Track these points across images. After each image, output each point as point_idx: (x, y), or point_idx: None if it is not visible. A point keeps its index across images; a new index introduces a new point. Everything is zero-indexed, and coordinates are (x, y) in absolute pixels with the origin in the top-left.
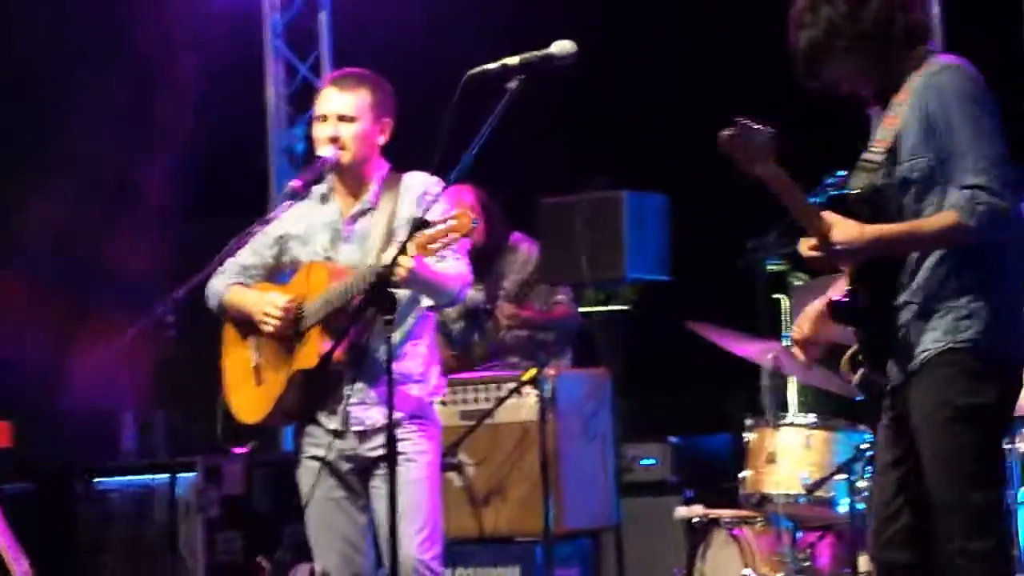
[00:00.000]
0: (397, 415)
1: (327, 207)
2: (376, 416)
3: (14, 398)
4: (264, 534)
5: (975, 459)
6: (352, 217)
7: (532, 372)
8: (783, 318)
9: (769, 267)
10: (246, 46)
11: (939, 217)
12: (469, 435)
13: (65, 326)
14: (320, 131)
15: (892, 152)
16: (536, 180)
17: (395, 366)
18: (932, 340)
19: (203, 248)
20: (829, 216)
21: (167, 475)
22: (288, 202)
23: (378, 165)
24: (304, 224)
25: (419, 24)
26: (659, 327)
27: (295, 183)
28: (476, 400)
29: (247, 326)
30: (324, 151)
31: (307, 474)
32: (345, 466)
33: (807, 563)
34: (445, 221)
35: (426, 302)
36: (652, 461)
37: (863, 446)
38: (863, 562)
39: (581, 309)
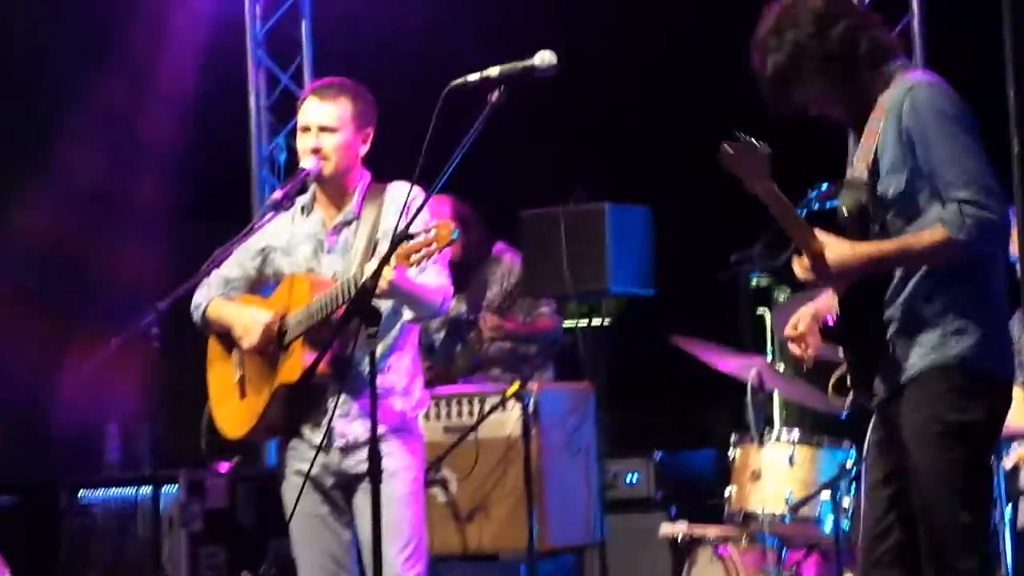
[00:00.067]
0: (380, 429)
1: (310, 218)
2: (359, 430)
3: None
4: (248, 549)
5: (963, 476)
6: (335, 228)
7: (515, 386)
8: (767, 332)
9: (753, 281)
10: (228, 55)
11: (928, 232)
12: (452, 450)
13: (50, 337)
14: (303, 143)
15: (874, 170)
16: (518, 191)
17: (378, 379)
18: (919, 356)
19: (188, 259)
20: (822, 236)
21: (150, 488)
22: (270, 213)
23: (360, 175)
24: (287, 235)
25: (401, 33)
26: (642, 341)
27: (277, 194)
28: (460, 414)
29: (230, 340)
30: (306, 162)
31: (291, 489)
32: (329, 481)
33: None
34: (426, 232)
35: (408, 314)
36: (636, 476)
37: (848, 464)
38: None
39: (564, 323)
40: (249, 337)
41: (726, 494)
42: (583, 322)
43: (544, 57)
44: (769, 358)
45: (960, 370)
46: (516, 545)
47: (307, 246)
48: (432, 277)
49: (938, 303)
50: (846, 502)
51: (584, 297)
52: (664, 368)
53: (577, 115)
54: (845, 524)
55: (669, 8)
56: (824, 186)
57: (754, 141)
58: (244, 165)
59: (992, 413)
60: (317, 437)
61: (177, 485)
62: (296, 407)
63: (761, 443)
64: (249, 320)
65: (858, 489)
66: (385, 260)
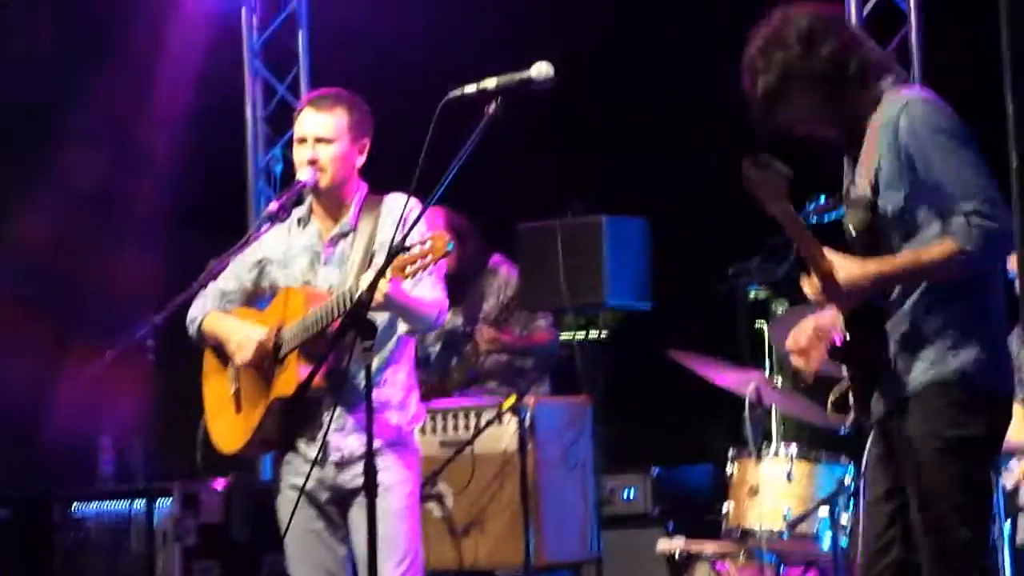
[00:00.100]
0: (376, 443)
1: (306, 230)
2: (355, 444)
3: None
4: (243, 563)
5: (963, 491)
6: (331, 240)
7: (512, 400)
8: (765, 346)
9: (751, 294)
10: (225, 66)
11: (937, 246)
12: (448, 464)
13: (46, 349)
14: (299, 154)
15: (876, 187)
16: (515, 204)
17: (374, 393)
18: (919, 372)
19: (184, 270)
20: (832, 256)
21: (144, 502)
22: (266, 225)
23: (357, 186)
24: (283, 247)
25: (398, 44)
26: (640, 354)
27: (273, 206)
28: (456, 428)
29: (226, 353)
30: (303, 174)
31: (286, 503)
32: (324, 496)
33: None
34: (422, 244)
35: (402, 327)
36: (633, 491)
37: (846, 480)
38: None
39: (561, 335)
40: (242, 353)
41: (723, 510)
42: (580, 335)
43: (541, 69)
44: (767, 372)
45: (960, 385)
46: (512, 560)
47: (303, 258)
48: (427, 290)
49: (937, 319)
50: (844, 518)
51: (581, 310)
52: (661, 382)
53: (575, 127)
54: (843, 541)
55: (667, 21)
56: (822, 199)
57: (775, 163)
58: (240, 176)
59: (992, 428)
60: (312, 451)
61: (171, 499)
62: (291, 421)
63: (759, 458)
64: (243, 336)
65: (856, 505)
66: (381, 272)
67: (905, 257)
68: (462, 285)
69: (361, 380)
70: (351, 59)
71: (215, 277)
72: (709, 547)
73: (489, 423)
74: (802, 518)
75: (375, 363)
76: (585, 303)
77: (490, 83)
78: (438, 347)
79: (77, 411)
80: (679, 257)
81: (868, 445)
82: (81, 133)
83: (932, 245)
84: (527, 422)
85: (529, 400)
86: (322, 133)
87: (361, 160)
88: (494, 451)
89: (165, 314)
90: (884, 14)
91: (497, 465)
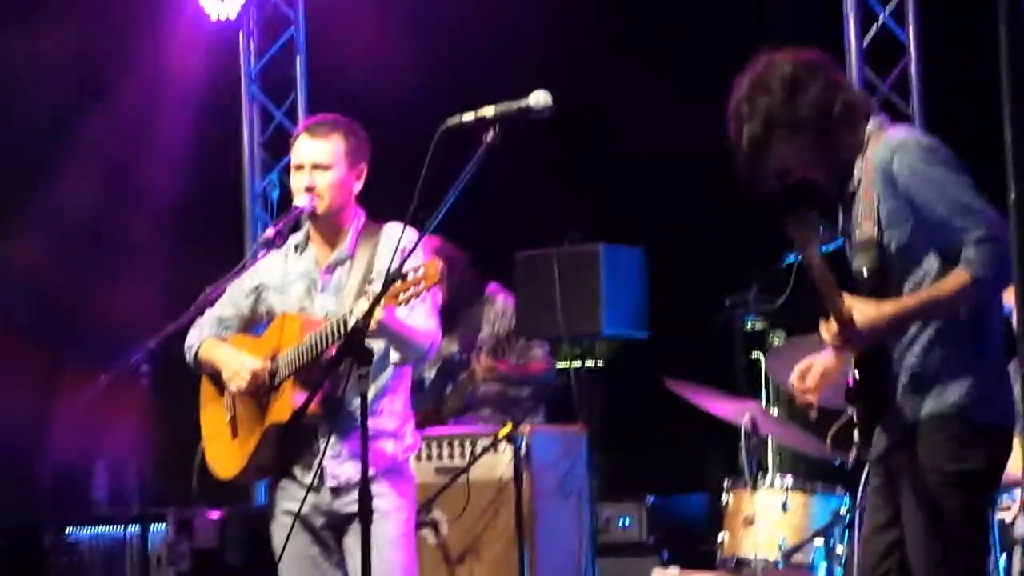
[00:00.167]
0: (371, 471)
1: (303, 256)
2: (350, 471)
3: None
4: None
5: (961, 525)
6: (328, 267)
7: (508, 428)
8: (761, 376)
9: (747, 324)
10: (222, 91)
11: (952, 279)
12: (444, 492)
13: (42, 375)
14: (296, 180)
15: (879, 226)
16: (512, 232)
17: (370, 422)
18: (919, 406)
19: (181, 295)
20: (848, 299)
21: (139, 527)
22: (263, 251)
23: (354, 213)
24: (280, 274)
25: (395, 71)
26: (636, 383)
27: (270, 232)
28: (451, 456)
29: (222, 381)
30: (300, 200)
31: (281, 529)
32: (319, 521)
33: None
34: (415, 271)
35: (394, 356)
36: (628, 520)
37: (841, 510)
38: None
39: (557, 364)
40: (237, 382)
41: (719, 539)
42: (576, 363)
43: (539, 97)
44: (763, 402)
45: (959, 419)
46: None
47: (300, 284)
48: (421, 320)
49: (937, 354)
50: (839, 549)
51: (578, 339)
52: (658, 411)
53: (572, 156)
54: (838, 571)
55: (664, 51)
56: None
57: (811, 214)
58: (237, 201)
59: (992, 462)
60: (308, 477)
61: (166, 524)
62: (287, 447)
63: (754, 488)
64: (238, 365)
65: (851, 536)
66: (377, 301)
67: (921, 295)
68: (453, 313)
69: (356, 407)
70: (349, 85)
71: (211, 303)
72: None
73: (485, 451)
74: (797, 548)
75: (371, 392)
76: (582, 332)
77: (488, 111)
78: (433, 373)
79: (72, 436)
80: (676, 286)
81: (865, 475)
82: (78, 159)
83: (947, 279)
84: (523, 450)
85: (525, 428)
86: (319, 159)
87: (358, 186)
88: (489, 479)
89: (160, 339)
90: (884, 45)
91: (492, 493)
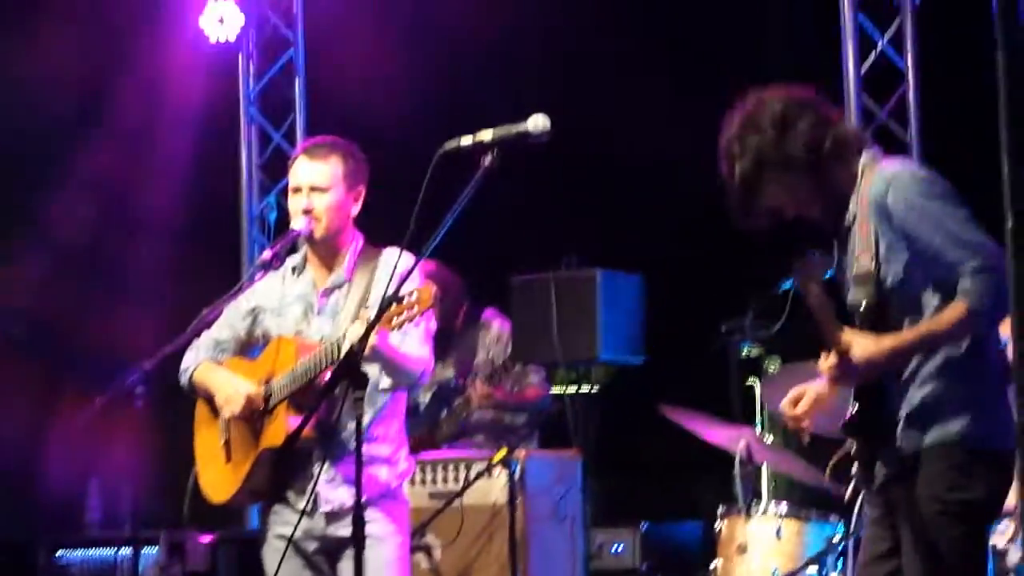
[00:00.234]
0: (364, 497)
1: (300, 279)
2: (344, 496)
3: None
4: None
5: (960, 555)
6: (325, 291)
7: (502, 453)
8: (757, 403)
9: (743, 351)
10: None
11: (949, 311)
12: (437, 516)
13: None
14: (294, 203)
15: (877, 261)
16: (509, 257)
17: (364, 448)
18: (922, 438)
19: (178, 317)
20: (848, 333)
21: (130, 550)
22: (259, 273)
23: (352, 236)
24: (277, 296)
25: (394, 93)
26: (631, 409)
27: (267, 254)
28: (445, 480)
29: (216, 403)
30: (297, 222)
31: (273, 553)
32: (312, 546)
33: None
34: (408, 295)
35: (385, 382)
36: (622, 547)
37: (835, 538)
38: None
39: (552, 389)
40: (230, 407)
41: (712, 566)
42: (572, 389)
43: (538, 122)
44: (758, 430)
45: (961, 447)
46: None
47: (297, 307)
48: (414, 346)
49: (939, 386)
50: None
51: (574, 364)
52: (652, 437)
53: (570, 181)
54: None
55: (664, 76)
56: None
57: (817, 254)
58: (235, 223)
59: (992, 492)
60: (301, 502)
61: (157, 547)
62: (281, 471)
63: (748, 516)
64: (232, 390)
65: (845, 564)
66: (372, 325)
67: (919, 328)
68: (448, 338)
69: (351, 432)
70: (348, 108)
71: (207, 325)
72: None
73: (479, 475)
74: (791, 575)
75: (366, 418)
76: (578, 357)
77: (486, 135)
78: (428, 398)
79: (67, 458)
80: (672, 313)
81: (860, 504)
82: (74, 181)
83: (944, 312)
84: (517, 475)
85: (519, 453)
86: (317, 182)
87: (356, 209)
88: (483, 503)
89: (155, 361)
90: (882, 72)
91: (486, 517)
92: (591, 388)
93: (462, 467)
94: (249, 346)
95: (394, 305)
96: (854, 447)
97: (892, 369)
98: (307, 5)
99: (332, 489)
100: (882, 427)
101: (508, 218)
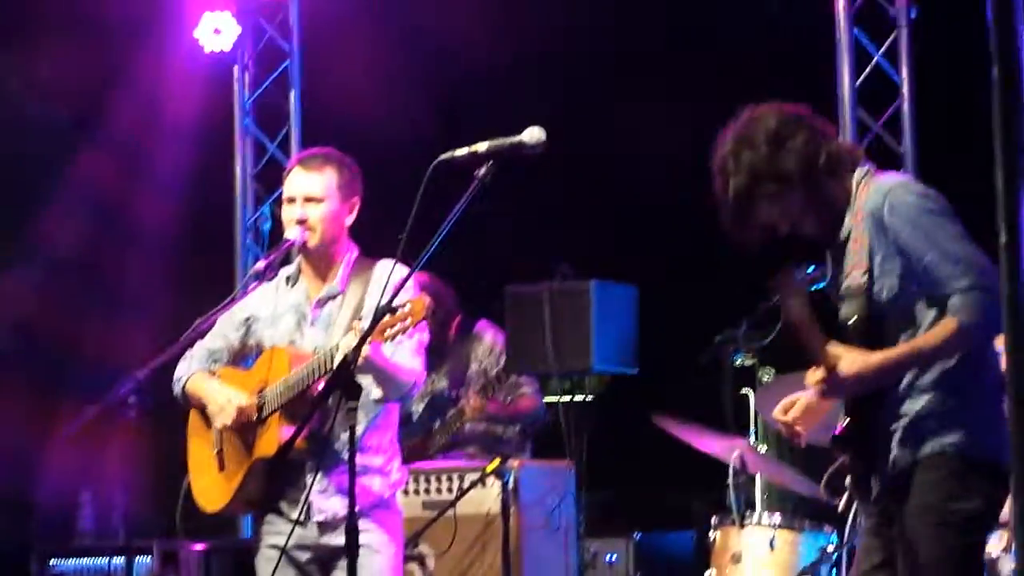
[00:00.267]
0: (357, 507)
1: (294, 289)
2: (337, 506)
3: None
4: None
5: (956, 565)
6: (319, 301)
7: (496, 463)
8: (750, 413)
9: (737, 361)
10: (216, 123)
11: (939, 328)
12: (431, 526)
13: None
14: (288, 213)
15: (870, 275)
16: (503, 267)
17: (357, 458)
18: (917, 451)
19: (172, 327)
20: (835, 349)
21: (123, 559)
22: (253, 283)
23: (347, 247)
24: (271, 306)
25: (389, 104)
26: (625, 419)
27: (260, 264)
28: (439, 490)
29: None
30: (291, 232)
31: (266, 563)
32: (304, 556)
33: None
34: (402, 307)
35: (376, 393)
36: (615, 556)
37: (829, 548)
38: None
39: (546, 399)
40: (222, 417)
41: None
42: (565, 398)
43: (533, 134)
44: (752, 440)
45: (957, 457)
46: None
47: (291, 317)
48: (406, 358)
49: (934, 394)
50: None
51: (567, 375)
52: (646, 447)
53: (564, 192)
54: None
55: (659, 89)
56: (811, 269)
57: (798, 269)
58: (229, 233)
59: (990, 502)
60: (294, 512)
61: (151, 556)
62: (274, 481)
63: (742, 526)
64: (225, 401)
65: (839, 575)
66: (366, 336)
67: (909, 344)
68: (441, 349)
69: (344, 442)
70: (343, 119)
71: (201, 335)
72: None
73: (473, 485)
74: None
75: (359, 427)
76: (572, 367)
77: (481, 147)
78: (421, 407)
79: (60, 467)
80: (666, 323)
81: (853, 514)
82: (69, 191)
83: (934, 329)
84: (510, 485)
85: (513, 463)
86: (311, 192)
87: (350, 220)
88: (477, 513)
89: (148, 371)
90: (877, 86)
91: (479, 527)
92: (585, 398)
93: (455, 477)
94: (242, 356)
95: (387, 316)
96: (846, 461)
97: (881, 385)
98: (303, 16)
99: (325, 499)
100: (873, 441)
101: (502, 229)
